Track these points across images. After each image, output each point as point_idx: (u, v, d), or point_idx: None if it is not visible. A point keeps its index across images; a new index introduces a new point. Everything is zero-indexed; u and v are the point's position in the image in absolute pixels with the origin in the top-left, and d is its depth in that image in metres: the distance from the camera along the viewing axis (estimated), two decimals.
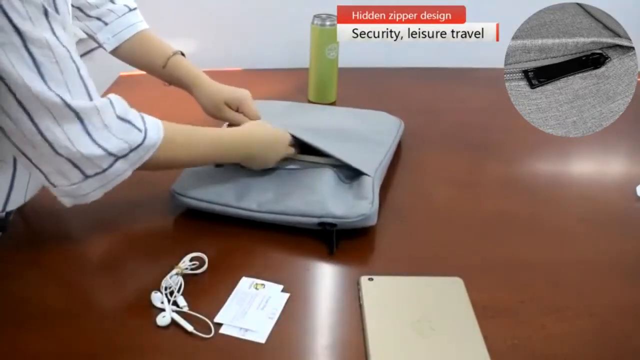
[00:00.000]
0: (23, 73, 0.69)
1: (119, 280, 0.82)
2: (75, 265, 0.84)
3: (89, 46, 1.05)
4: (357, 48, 1.40)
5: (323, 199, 0.90)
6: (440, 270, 0.83)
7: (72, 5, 0.97)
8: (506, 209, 0.97)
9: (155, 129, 0.81)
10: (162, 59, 1.04)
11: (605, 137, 1.22)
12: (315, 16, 1.26)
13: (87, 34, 1.04)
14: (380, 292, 0.78)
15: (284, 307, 0.76)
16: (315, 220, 0.88)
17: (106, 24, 1.02)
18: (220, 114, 1.03)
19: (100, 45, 1.04)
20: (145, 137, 0.79)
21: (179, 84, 1.05)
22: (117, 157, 0.77)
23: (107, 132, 0.76)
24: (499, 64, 1.52)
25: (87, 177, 0.76)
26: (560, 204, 1.00)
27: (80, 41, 1.04)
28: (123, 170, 0.79)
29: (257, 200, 0.91)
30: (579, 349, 0.72)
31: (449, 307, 0.77)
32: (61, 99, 0.72)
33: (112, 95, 0.79)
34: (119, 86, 1.38)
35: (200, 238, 0.89)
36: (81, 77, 0.74)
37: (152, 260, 0.86)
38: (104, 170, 0.77)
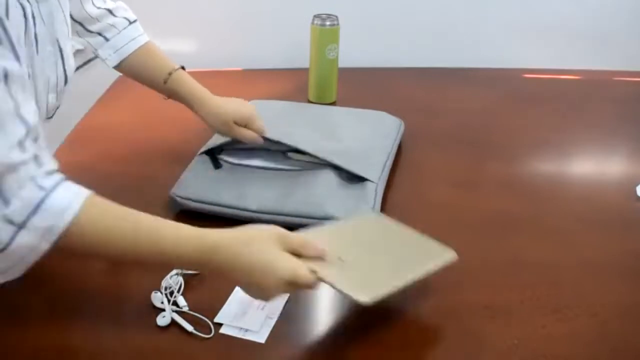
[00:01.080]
0: None
1: (119, 280, 0.82)
2: (75, 265, 0.84)
3: (87, 56, 1.04)
4: (357, 48, 1.40)
5: (323, 200, 0.90)
6: (440, 270, 0.83)
7: (74, 20, 0.97)
8: (506, 209, 0.97)
9: (67, 192, 0.65)
10: (163, 75, 1.01)
11: (605, 137, 1.23)
12: (315, 16, 1.26)
13: (88, 48, 1.02)
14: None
15: (284, 307, 0.76)
16: (315, 222, 0.88)
17: (107, 39, 1.01)
18: (229, 132, 1.00)
19: (102, 61, 1.03)
20: (46, 196, 0.63)
21: (179, 100, 1.03)
22: (18, 227, 0.62)
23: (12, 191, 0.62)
24: (499, 64, 1.53)
25: None
26: (560, 204, 1.00)
27: (77, 52, 1.03)
28: (32, 246, 0.63)
29: (257, 201, 0.91)
30: (579, 349, 0.72)
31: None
32: None
33: (28, 154, 0.64)
34: (119, 86, 1.38)
35: None
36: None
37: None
38: (6, 247, 0.62)
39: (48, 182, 0.64)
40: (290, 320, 0.75)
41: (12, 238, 0.62)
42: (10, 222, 0.62)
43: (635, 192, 1.01)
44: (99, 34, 1.00)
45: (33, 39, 0.75)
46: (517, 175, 1.09)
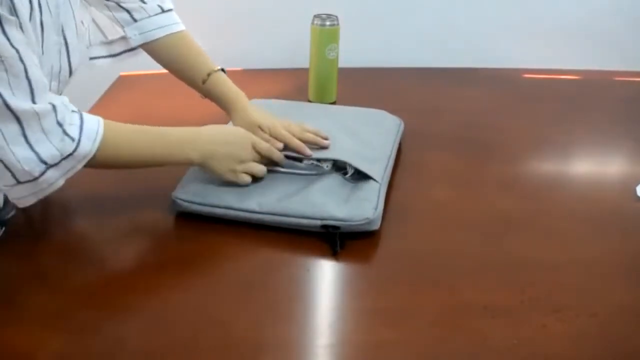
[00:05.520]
0: None
1: (119, 280, 0.82)
2: (74, 264, 0.84)
3: (129, 45, 1.05)
4: (357, 48, 1.40)
5: (326, 201, 0.90)
6: (440, 270, 0.83)
7: None
8: (506, 209, 0.97)
9: (90, 138, 0.80)
10: (202, 74, 1.03)
11: (605, 137, 1.23)
12: (315, 16, 1.26)
13: (114, 31, 1.04)
14: None
15: (284, 307, 0.76)
16: (318, 222, 0.88)
17: (135, 20, 1.02)
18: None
19: (127, 38, 1.04)
20: (77, 148, 0.78)
21: (215, 101, 1.05)
22: (49, 165, 0.77)
23: (44, 138, 0.76)
24: (499, 64, 1.53)
25: (19, 182, 0.77)
26: (560, 204, 1.00)
27: (121, 39, 1.05)
28: (55, 179, 0.79)
29: (259, 201, 0.91)
30: (579, 349, 0.72)
31: None
32: (2, 97, 0.72)
33: (57, 99, 0.79)
34: (119, 86, 1.39)
35: (201, 237, 0.89)
36: (28, 79, 0.74)
37: (152, 261, 0.86)
38: (35, 179, 0.77)
39: (75, 131, 0.79)
40: (290, 320, 0.75)
41: (42, 173, 0.77)
42: (44, 162, 0.76)
43: (635, 192, 1.01)
44: (129, 12, 1.02)
45: (39, 26, 0.80)
46: (517, 175, 1.09)
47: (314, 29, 1.26)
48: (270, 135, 0.99)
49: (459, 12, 1.54)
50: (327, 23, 1.25)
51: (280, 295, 0.79)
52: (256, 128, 0.99)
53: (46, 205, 0.93)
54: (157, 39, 1.03)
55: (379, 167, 0.99)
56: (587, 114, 1.33)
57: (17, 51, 0.73)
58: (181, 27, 1.05)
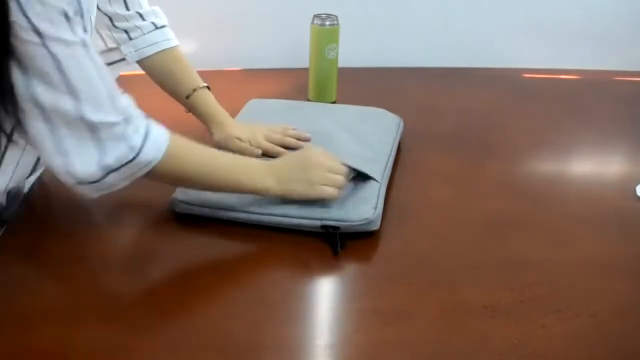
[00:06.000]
0: (45, 79, 0.71)
1: (119, 280, 0.82)
2: (74, 264, 0.84)
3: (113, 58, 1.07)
4: (357, 48, 1.40)
5: (326, 201, 0.90)
6: (440, 270, 0.83)
7: (104, 13, 1.02)
8: (506, 209, 0.97)
9: (155, 147, 0.79)
10: (187, 90, 1.05)
11: (605, 137, 1.23)
12: (315, 16, 1.26)
13: (114, 43, 1.06)
14: None
15: (284, 307, 0.76)
16: (318, 223, 0.88)
17: (131, 38, 1.04)
18: (228, 146, 1.02)
19: (124, 56, 1.06)
20: (137, 156, 0.78)
21: (197, 117, 1.06)
22: (110, 171, 0.77)
23: (111, 145, 0.76)
24: (499, 64, 1.53)
25: (80, 183, 0.77)
26: (560, 204, 1.00)
27: (115, 49, 1.07)
28: (117, 182, 0.79)
29: (259, 202, 0.90)
30: (579, 349, 0.72)
31: None
32: (78, 106, 0.73)
33: (132, 109, 0.79)
34: (119, 86, 1.38)
35: (200, 238, 0.89)
36: (108, 88, 0.77)
37: (153, 260, 0.86)
38: (98, 181, 0.77)
39: (138, 140, 0.78)
40: (290, 320, 0.75)
41: (103, 178, 0.77)
42: (104, 167, 0.76)
43: (635, 192, 1.01)
44: (125, 32, 1.04)
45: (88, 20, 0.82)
46: (517, 175, 1.09)
47: (313, 29, 1.26)
48: (251, 145, 1.01)
49: (459, 12, 1.54)
50: (327, 23, 1.25)
51: (280, 295, 0.79)
52: (234, 140, 1.01)
53: (47, 204, 0.93)
54: (148, 57, 1.05)
55: (378, 168, 0.99)
56: (587, 114, 1.33)
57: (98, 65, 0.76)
58: (172, 43, 1.07)
